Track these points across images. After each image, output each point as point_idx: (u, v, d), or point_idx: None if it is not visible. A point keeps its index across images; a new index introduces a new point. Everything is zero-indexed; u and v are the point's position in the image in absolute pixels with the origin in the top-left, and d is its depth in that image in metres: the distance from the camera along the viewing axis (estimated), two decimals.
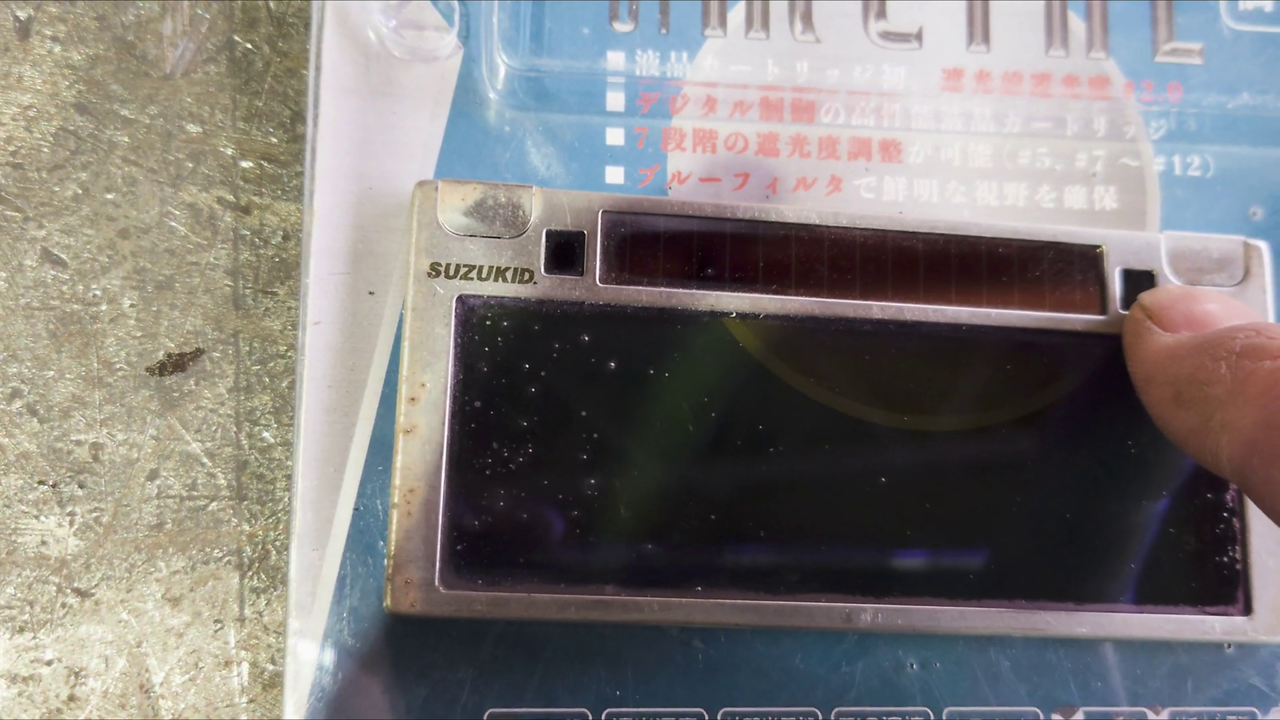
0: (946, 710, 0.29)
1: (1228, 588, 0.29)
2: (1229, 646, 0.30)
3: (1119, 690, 0.29)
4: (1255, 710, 0.29)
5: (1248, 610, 0.29)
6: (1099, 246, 0.30)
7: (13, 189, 0.30)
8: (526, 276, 0.28)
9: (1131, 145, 0.32)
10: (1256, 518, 0.29)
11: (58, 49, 0.31)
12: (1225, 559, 0.29)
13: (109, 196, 0.30)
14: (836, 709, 0.29)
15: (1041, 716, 0.29)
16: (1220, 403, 0.24)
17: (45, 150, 0.30)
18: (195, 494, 0.30)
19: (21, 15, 0.31)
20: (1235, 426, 0.24)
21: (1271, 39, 0.32)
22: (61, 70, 0.31)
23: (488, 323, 0.28)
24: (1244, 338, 0.25)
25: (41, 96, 0.31)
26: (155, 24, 0.31)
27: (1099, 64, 0.32)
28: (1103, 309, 0.30)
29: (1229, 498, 0.29)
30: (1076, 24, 0.32)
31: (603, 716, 0.28)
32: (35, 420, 0.29)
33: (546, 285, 0.28)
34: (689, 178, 0.31)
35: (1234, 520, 0.29)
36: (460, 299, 0.28)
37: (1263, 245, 0.30)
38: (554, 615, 0.27)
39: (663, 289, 0.29)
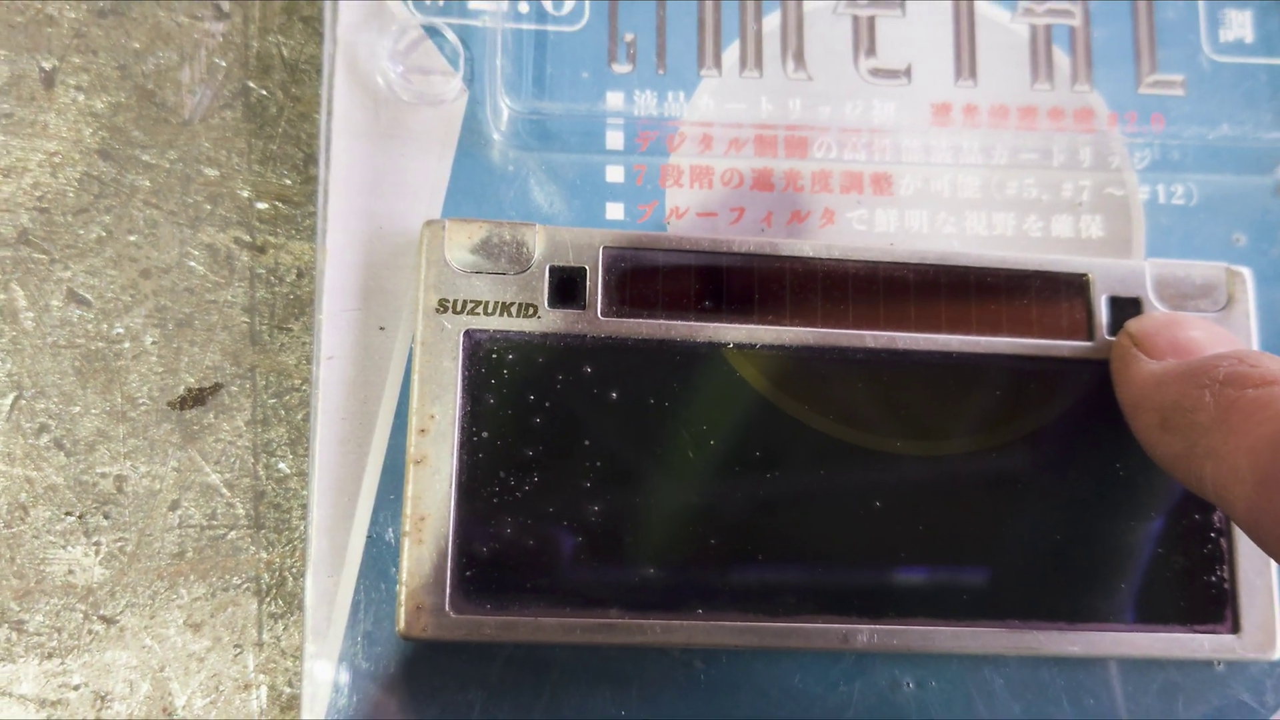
0: None
1: (1216, 606, 0.30)
2: (1218, 664, 0.30)
3: (1111, 707, 0.30)
4: None
5: (1236, 628, 0.30)
6: (1085, 274, 0.31)
7: (40, 232, 0.31)
8: (531, 311, 0.29)
9: (1116, 175, 0.33)
10: (1243, 538, 0.30)
11: (81, 98, 0.32)
12: (1213, 578, 0.30)
13: (131, 238, 0.32)
14: None
15: None
16: (1205, 429, 0.25)
17: (70, 195, 0.32)
18: (215, 523, 0.31)
19: (46, 66, 0.32)
20: (1219, 453, 0.24)
21: (1250, 70, 0.33)
22: (85, 118, 0.32)
23: (494, 356, 0.29)
24: (1227, 366, 0.25)
25: (66, 143, 0.32)
26: (174, 72, 0.32)
27: (1084, 97, 0.33)
28: (1090, 335, 0.31)
29: (1216, 518, 0.30)
30: (1061, 58, 0.33)
31: None
32: (62, 454, 0.31)
33: (550, 319, 0.29)
34: (686, 212, 0.32)
35: (1221, 540, 0.30)
36: (467, 333, 0.29)
37: (1245, 271, 0.31)
38: (561, 638, 0.28)
39: (662, 321, 0.30)
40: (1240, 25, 0.33)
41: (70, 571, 0.30)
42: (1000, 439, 0.30)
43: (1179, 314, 0.30)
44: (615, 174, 0.32)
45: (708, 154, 0.32)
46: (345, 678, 0.29)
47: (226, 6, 0.33)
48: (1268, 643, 0.29)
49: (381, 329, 0.30)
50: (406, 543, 0.28)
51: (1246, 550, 0.30)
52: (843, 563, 0.29)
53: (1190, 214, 0.33)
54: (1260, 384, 0.24)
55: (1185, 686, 0.30)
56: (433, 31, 0.31)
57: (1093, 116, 0.33)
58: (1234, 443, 0.24)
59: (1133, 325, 0.29)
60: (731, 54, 0.32)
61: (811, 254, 0.30)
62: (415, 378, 0.29)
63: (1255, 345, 0.31)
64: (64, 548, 0.30)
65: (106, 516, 0.30)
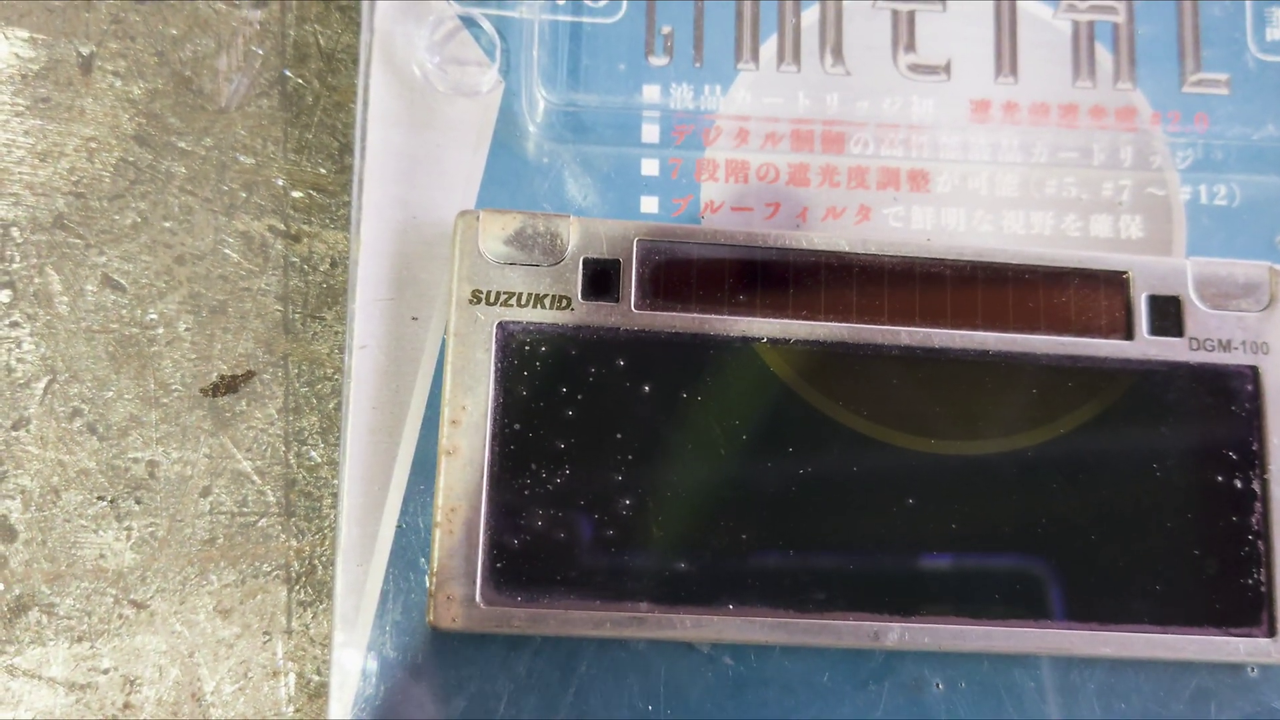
0: None
1: (1252, 610, 0.29)
2: (1252, 670, 0.30)
3: (1141, 711, 0.30)
4: None
5: (1271, 632, 0.29)
6: (1125, 272, 0.30)
7: (75, 217, 0.32)
8: (564, 303, 0.29)
9: (1158, 175, 0.32)
10: None
11: (118, 83, 0.32)
12: (1250, 581, 0.29)
13: (166, 225, 0.32)
14: None
15: None
16: None
17: (106, 180, 0.32)
18: (246, 510, 0.31)
19: (84, 51, 0.32)
20: None
21: None
22: (122, 104, 0.32)
23: (527, 348, 0.29)
24: None
25: (103, 129, 0.32)
26: (211, 60, 0.33)
27: (1126, 95, 0.33)
28: (1129, 334, 0.30)
29: (1254, 520, 0.30)
30: (1104, 56, 0.33)
31: None
32: (95, 438, 0.31)
33: (583, 311, 0.29)
34: (721, 207, 0.31)
35: (1259, 543, 0.30)
36: (500, 325, 0.29)
37: None
38: (590, 631, 0.28)
39: (696, 315, 0.29)
40: None
41: (101, 556, 0.30)
42: (1036, 437, 0.30)
43: None
44: (650, 167, 0.31)
45: (743, 148, 0.32)
46: (373, 667, 0.29)
47: None
48: None
49: (414, 319, 0.30)
50: (437, 533, 0.28)
51: None
52: (874, 560, 0.29)
53: (1233, 215, 0.32)
54: None
55: (1218, 692, 0.30)
56: (469, 22, 0.31)
57: (1135, 115, 0.32)
58: None
59: None
60: (769, 48, 0.32)
61: (847, 249, 0.30)
62: (448, 369, 0.29)
63: None
64: (95, 532, 0.30)
65: (138, 501, 0.31)
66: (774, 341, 0.29)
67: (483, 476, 0.28)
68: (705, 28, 0.32)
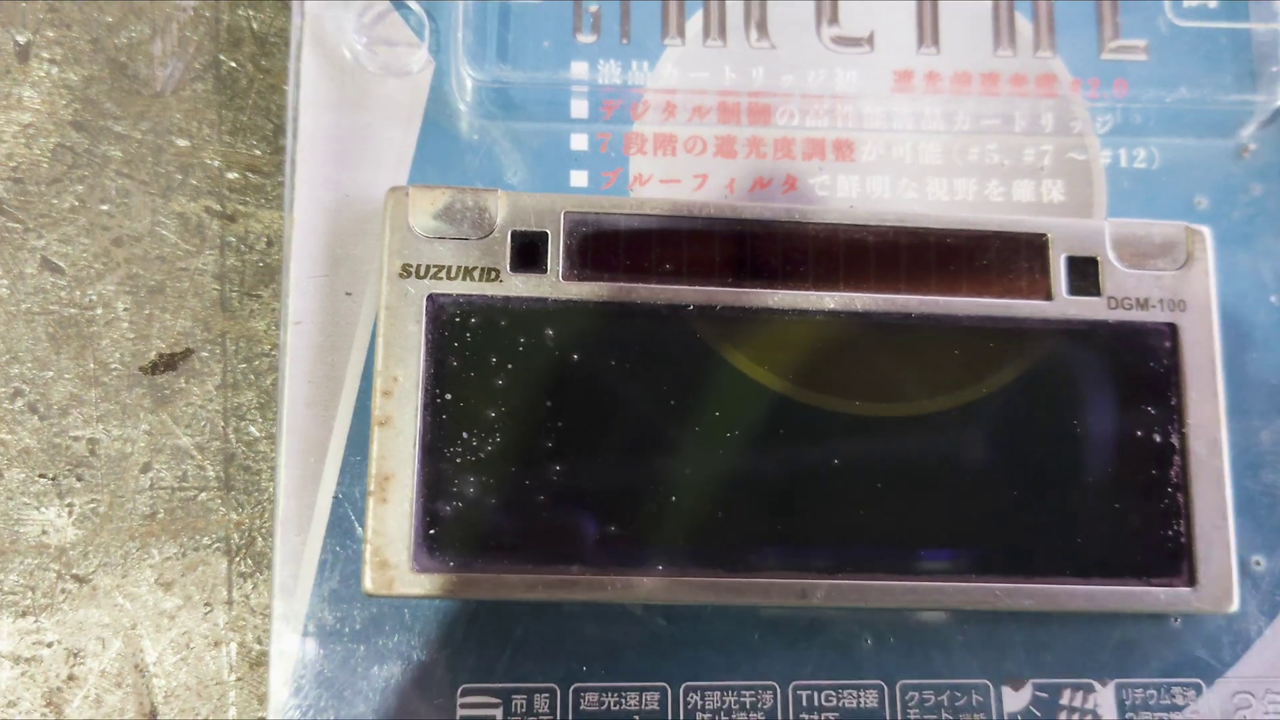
0: (900, 683, 0.30)
1: (1173, 560, 0.30)
2: (1175, 620, 0.31)
3: (1067, 663, 0.30)
4: (1200, 682, 0.30)
5: (1192, 582, 0.30)
6: (1044, 234, 0.31)
7: (14, 202, 0.32)
8: (493, 275, 0.30)
9: (1078, 140, 0.33)
10: (1200, 493, 0.30)
11: (55, 70, 0.33)
12: (1170, 533, 0.30)
13: (103, 207, 0.32)
14: (794, 683, 0.30)
15: (992, 688, 0.30)
16: None
17: (44, 165, 0.32)
18: (186, 485, 0.31)
19: (21, 39, 0.33)
20: None
21: (1210, 34, 0.33)
22: (59, 90, 0.33)
23: (457, 319, 0.29)
24: None
25: (40, 115, 0.33)
26: (146, 45, 0.33)
27: (1046, 63, 0.33)
28: (1049, 295, 0.31)
29: (1174, 473, 0.30)
30: (1023, 25, 0.33)
31: (570, 692, 0.29)
32: (36, 418, 0.31)
33: (512, 283, 0.30)
34: (650, 180, 0.32)
35: (1178, 495, 0.30)
36: (430, 298, 0.29)
37: (1205, 230, 0.31)
38: (522, 594, 0.28)
39: (623, 284, 0.30)
40: None
41: (44, 532, 0.31)
42: (959, 398, 0.30)
43: None
44: (580, 142, 0.32)
45: (671, 122, 0.32)
46: (312, 635, 0.29)
47: None
48: (1224, 597, 0.30)
49: (348, 294, 0.31)
50: (371, 502, 0.28)
51: (1203, 505, 0.30)
52: (802, 520, 0.29)
53: (1152, 177, 0.33)
54: None
55: (1142, 643, 0.30)
56: (399, 4, 0.32)
57: (1055, 82, 0.33)
58: None
59: None
60: (695, 23, 0.33)
61: (771, 217, 0.31)
62: (379, 341, 0.29)
63: (1214, 305, 0.31)
64: (38, 509, 0.31)
65: (79, 479, 0.31)
66: (700, 309, 0.30)
67: (415, 446, 0.29)
68: (631, 5, 0.33)
